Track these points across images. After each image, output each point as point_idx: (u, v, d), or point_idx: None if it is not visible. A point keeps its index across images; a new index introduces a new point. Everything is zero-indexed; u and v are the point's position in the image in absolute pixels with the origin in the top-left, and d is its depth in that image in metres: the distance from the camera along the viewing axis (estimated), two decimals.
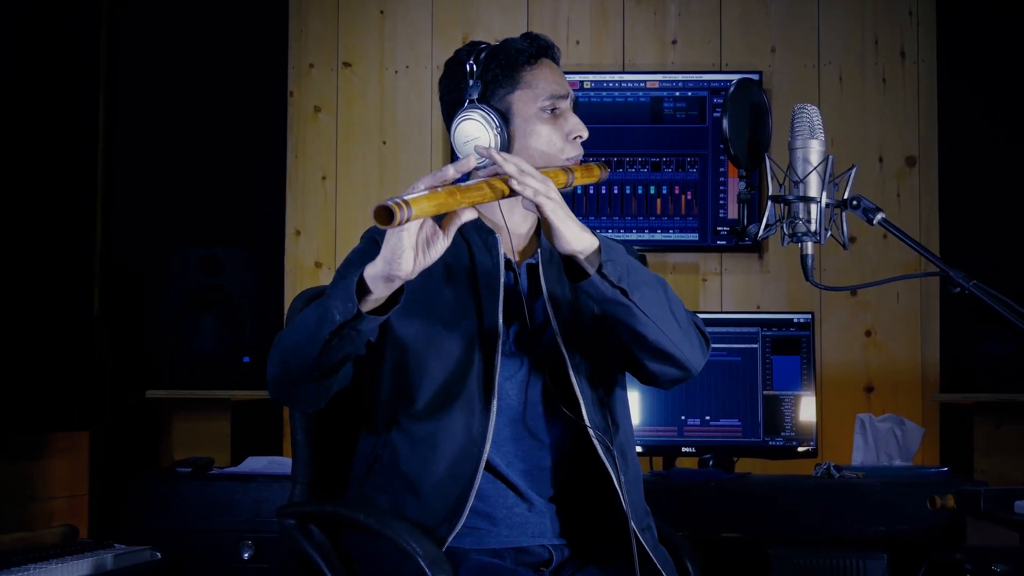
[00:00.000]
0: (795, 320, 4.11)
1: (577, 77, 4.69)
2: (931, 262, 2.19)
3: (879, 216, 2.19)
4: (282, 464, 3.97)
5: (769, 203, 2.27)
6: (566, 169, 2.29)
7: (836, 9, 4.81)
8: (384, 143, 4.88)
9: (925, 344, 4.66)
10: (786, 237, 2.24)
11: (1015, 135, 4.38)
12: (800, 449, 4.05)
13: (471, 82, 2.33)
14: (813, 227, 2.21)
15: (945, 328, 4.45)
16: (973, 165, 4.45)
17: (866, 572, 3.60)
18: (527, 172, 2.12)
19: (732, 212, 4.69)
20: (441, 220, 2.10)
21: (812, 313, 4.15)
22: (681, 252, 4.76)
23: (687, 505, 3.77)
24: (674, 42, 4.85)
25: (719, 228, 4.69)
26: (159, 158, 4.61)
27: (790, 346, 4.08)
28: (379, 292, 2.08)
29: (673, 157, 4.71)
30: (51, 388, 4.04)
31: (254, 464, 4.04)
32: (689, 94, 4.74)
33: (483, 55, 2.35)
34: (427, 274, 2.28)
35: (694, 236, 4.70)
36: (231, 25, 4.65)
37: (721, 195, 4.69)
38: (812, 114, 2.24)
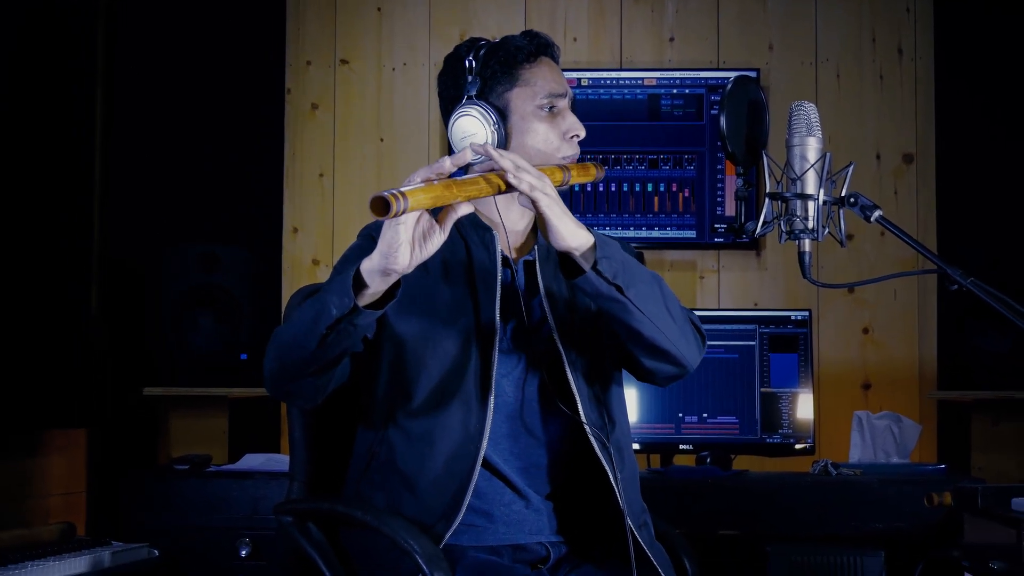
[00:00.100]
0: (792, 317, 4.12)
1: (574, 74, 4.69)
2: (928, 259, 2.19)
3: (876, 213, 2.19)
4: (279, 461, 3.97)
5: (766, 200, 2.27)
6: (563, 167, 2.29)
7: (834, 6, 4.81)
8: (382, 140, 4.88)
9: (922, 341, 4.67)
10: (783, 234, 2.24)
11: (1012, 132, 4.38)
12: (797, 446, 4.06)
13: (470, 78, 2.33)
14: (810, 224, 2.21)
15: (942, 325, 4.45)
16: (970, 162, 4.45)
17: (863, 569, 3.61)
18: (523, 168, 2.12)
19: (729, 209, 4.69)
20: (438, 214, 2.10)
21: (809, 310, 4.15)
22: (678, 249, 4.76)
23: (684, 502, 3.77)
24: (671, 39, 4.85)
25: (716, 225, 4.69)
26: (157, 156, 4.61)
27: (787, 343, 4.09)
28: (375, 286, 2.08)
29: (670, 154, 4.71)
30: (49, 385, 4.04)
31: (251, 461, 4.04)
32: (686, 91, 4.74)
33: (482, 52, 2.35)
34: (424, 271, 2.29)
35: (691, 233, 4.70)
36: (229, 23, 4.65)
37: (718, 192, 4.69)
38: (809, 111, 2.24)
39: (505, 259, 2.37)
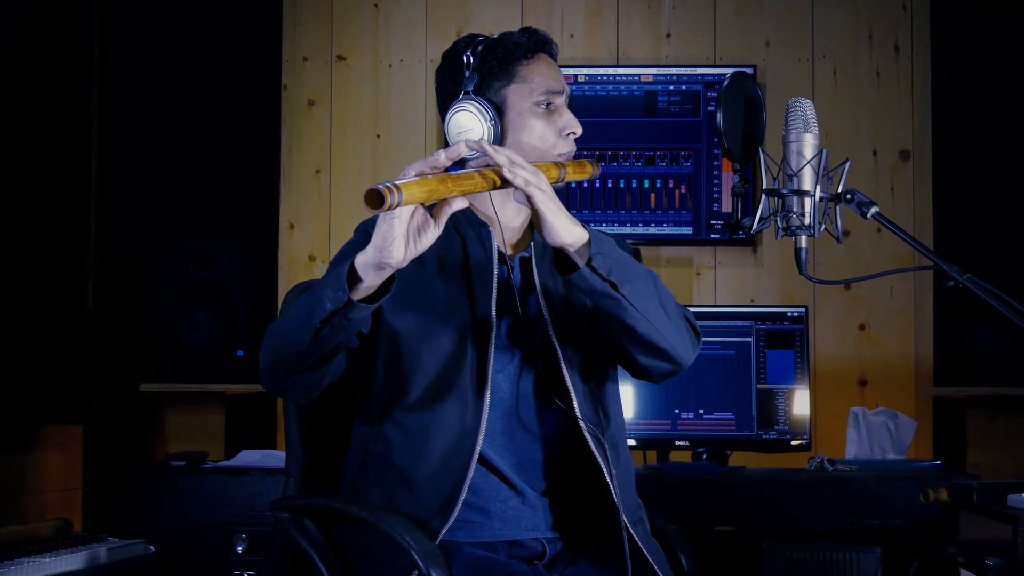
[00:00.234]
0: (789, 314, 4.12)
1: (571, 71, 4.69)
2: (925, 256, 2.19)
3: (873, 210, 2.20)
4: (276, 458, 3.97)
5: (763, 197, 2.27)
6: (558, 164, 2.29)
7: (830, 3, 4.82)
8: (378, 136, 4.88)
9: (918, 338, 4.67)
10: (780, 231, 2.24)
11: (1009, 129, 4.39)
12: (793, 443, 4.06)
13: (468, 74, 2.33)
14: (807, 221, 2.21)
15: (938, 322, 4.45)
16: (967, 159, 4.46)
17: (859, 565, 3.61)
18: (518, 164, 2.13)
19: (726, 206, 4.69)
20: (433, 209, 2.10)
21: (806, 307, 4.15)
22: (675, 246, 4.76)
23: (680, 498, 3.77)
24: (668, 36, 4.85)
25: (713, 222, 4.70)
26: (153, 152, 4.61)
27: (784, 340, 4.09)
28: (370, 280, 2.08)
29: (667, 151, 4.71)
30: (45, 381, 4.03)
31: (248, 458, 4.04)
32: (683, 88, 4.74)
33: (480, 48, 2.35)
34: (420, 267, 2.29)
35: (688, 230, 4.70)
36: (225, 19, 4.65)
37: (715, 189, 4.69)
38: (806, 108, 2.24)
39: (501, 255, 2.37)
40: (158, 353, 4.38)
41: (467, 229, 2.39)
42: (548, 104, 2.35)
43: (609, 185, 4.71)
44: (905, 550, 3.60)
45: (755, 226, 2.28)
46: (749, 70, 4.66)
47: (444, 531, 2.22)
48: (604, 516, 2.30)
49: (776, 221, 2.24)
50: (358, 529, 2.29)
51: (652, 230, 4.70)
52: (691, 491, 3.80)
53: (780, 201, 2.24)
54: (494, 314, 2.30)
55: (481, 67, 2.33)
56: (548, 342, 2.32)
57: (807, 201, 2.21)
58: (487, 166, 2.14)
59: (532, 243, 2.40)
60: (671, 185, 4.70)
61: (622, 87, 4.74)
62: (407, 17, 4.90)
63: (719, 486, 3.82)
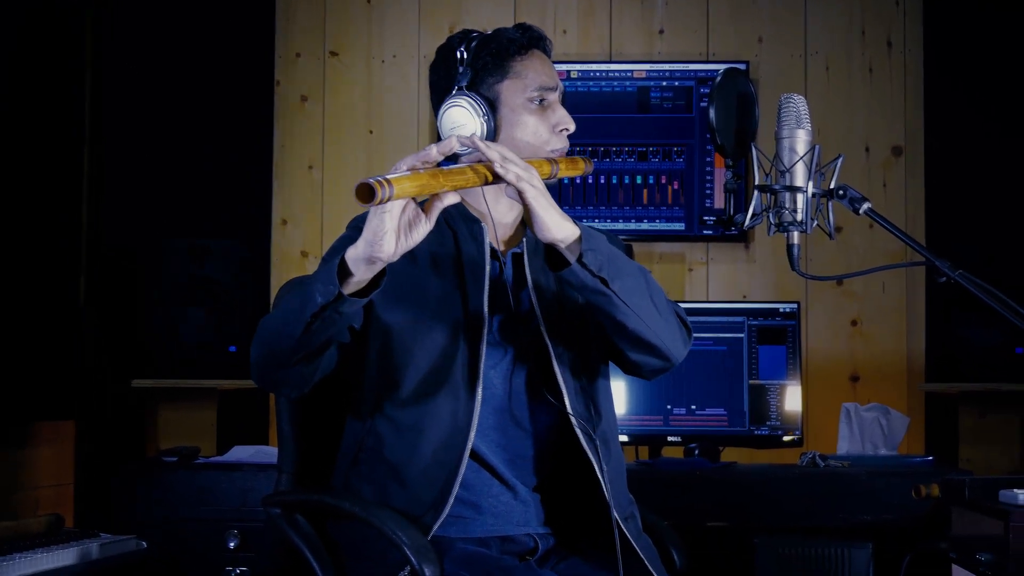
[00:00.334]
0: (781, 310, 4.12)
1: (564, 67, 4.69)
2: (917, 252, 2.19)
3: (865, 206, 2.20)
4: (268, 453, 3.97)
5: (755, 193, 2.27)
6: (551, 160, 2.29)
7: None
8: (371, 132, 4.87)
9: (911, 334, 4.67)
10: (772, 227, 2.24)
11: (1001, 125, 4.39)
12: (786, 438, 4.06)
13: (461, 69, 2.33)
14: (799, 217, 2.21)
15: (931, 318, 4.46)
16: (959, 155, 4.46)
17: (851, 561, 3.61)
18: (510, 159, 2.13)
19: (718, 202, 4.69)
20: (424, 204, 2.10)
21: (798, 303, 4.15)
22: (667, 242, 4.76)
23: (672, 494, 3.77)
24: (661, 32, 4.85)
25: (705, 218, 4.70)
26: (146, 148, 4.60)
27: (776, 335, 4.09)
28: (361, 274, 2.07)
29: (660, 147, 4.71)
30: (37, 377, 4.03)
31: (240, 453, 4.04)
32: (676, 84, 4.74)
33: (474, 43, 2.35)
34: (413, 262, 2.29)
35: (680, 226, 4.71)
36: (218, 14, 4.64)
37: (707, 185, 4.70)
38: (799, 104, 2.24)
39: (494, 251, 2.37)
40: (150, 349, 4.37)
41: (460, 225, 2.39)
42: (542, 100, 2.35)
43: (602, 181, 4.71)
44: (897, 546, 3.61)
45: (747, 222, 2.28)
46: (742, 66, 4.66)
47: (436, 526, 2.22)
48: (596, 512, 2.30)
49: (768, 217, 2.25)
50: (350, 525, 2.29)
51: (645, 226, 4.70)
52: (683, 487, 3.80)
53: (772, 197, 2.24)
54: (486, 310, 2.30)
55: (475, 63, 2.33)
56: (540, 338, 2.32)
57: (799, 197, 2.21)
58: (479, 161, 2.14)
59: (524, 239, 2.40)
60: (664, 181, 4.70)
61: (615, 83, 4.74)
62: (400, 13, 4.89)
63: (711, 482, 3.82)
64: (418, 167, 2.04)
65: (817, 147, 2.22)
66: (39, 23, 4.08)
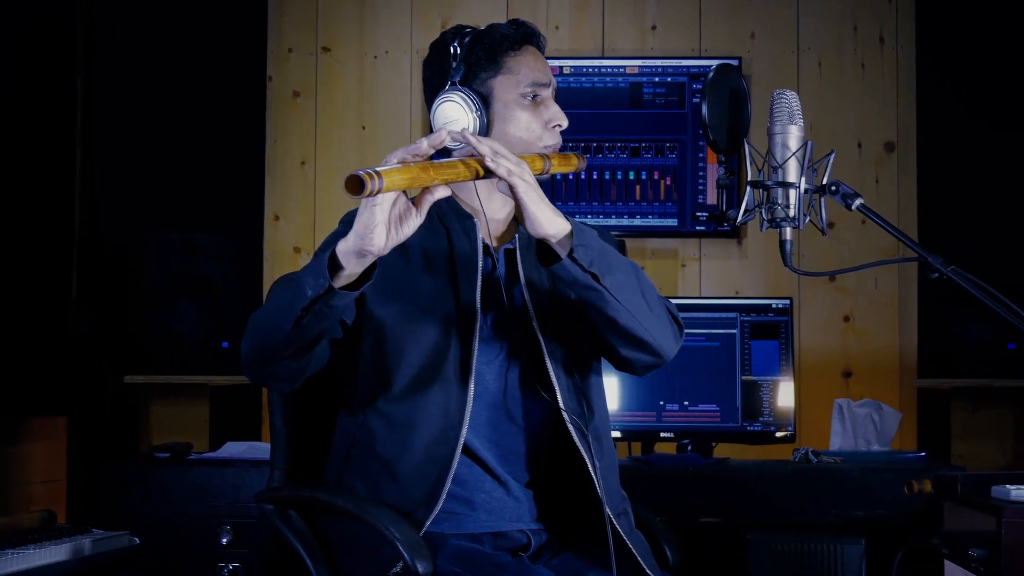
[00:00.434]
0: (773, 305, 4.12)
1: (556, 62, 4.68)
2: (909, 247, 2.19)
3: (858, 202, 2.20)
4: (261, 449, 3.96)
5: (748, 189, 2.27)
6: (543, 156, 2.29)
7: None
8: (363, 128, 4.86)
9: (903, 330, 4.68)
10: (765, 222, 2.24)
11: (993, 121, 4.39)
12: (778, 434, 4.06)
13: (454, 64, 2.33)
14: (792, 212, 2.22)
15: (923, 313, 4.46)
16: (951, 151, 4.46)
17: (843, 557, 3.62)
18: (501, 154, 2.13)
19: (711, 198, 4.69)
20: (415, 198, 2.09)
21: (791, 298, 4.15)
22: (660, 238, 4.76)
23: (665, 490, 3.77)
24: (653, 28, 4.85)
25: (698, 214, 4.70)
26: (137, 143, 4.58)
27: (768, 331, 4.09)
28: (351, 268, 2.07)
29: (652, 143, 4.71)
30: (29, 373, 4.03)
31: (232, 449, 4.04)
32: (668, 80, 4.74)
33: (468, 38, 2.35)
34: (406, 258, 2.29)
35: (673, 222, 4.70)
36: (211, 10, 4.63)
37: (700, 181, 4.69)
38: (791, 100, 2.24)
39: (486, 247, 2.37)
40: (142, 344, 4.36)
41: (452, 221, 2.38)
42: (534, 96, 2.35)
43: (594, 177, 4.71)
44: (889, 541, 3.61)
45: (740, 218, 2.28)
46: (734, 62, 4.66)
47: (429, 522, 2.22)
48: (588, 508, 2.30)
49: (761, 213, 2.25)
50: (343, 520, 2.29)
51: (637, 222, 4.70)
52: (676, 483, 3.80)
53: (765, 193, 2.24)
54: (479, 306, 2.30)
55: (468, 58, 2.33)
56: (532, 335, 2.32)
57: (792, 193, 2.21)
58: (471, 156, 2.14)
59: (517, 235, 2.40)
60: (656, 177, 4.70)
61: (607, 79, 4.74)
62: (392, 8, 4.89)
63: (704, 478, 3.82)
64: (408, 160, 2.04)
65: (809, 143, 2.22)
66: (31, 20, 4.08)
